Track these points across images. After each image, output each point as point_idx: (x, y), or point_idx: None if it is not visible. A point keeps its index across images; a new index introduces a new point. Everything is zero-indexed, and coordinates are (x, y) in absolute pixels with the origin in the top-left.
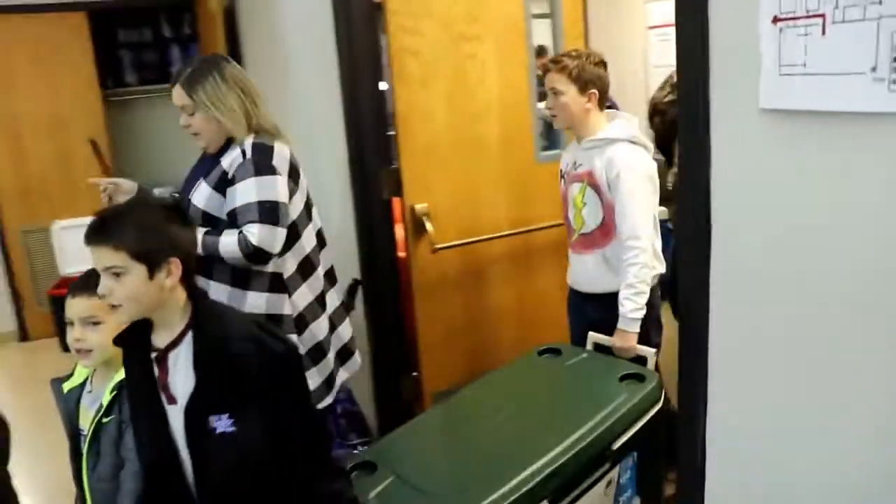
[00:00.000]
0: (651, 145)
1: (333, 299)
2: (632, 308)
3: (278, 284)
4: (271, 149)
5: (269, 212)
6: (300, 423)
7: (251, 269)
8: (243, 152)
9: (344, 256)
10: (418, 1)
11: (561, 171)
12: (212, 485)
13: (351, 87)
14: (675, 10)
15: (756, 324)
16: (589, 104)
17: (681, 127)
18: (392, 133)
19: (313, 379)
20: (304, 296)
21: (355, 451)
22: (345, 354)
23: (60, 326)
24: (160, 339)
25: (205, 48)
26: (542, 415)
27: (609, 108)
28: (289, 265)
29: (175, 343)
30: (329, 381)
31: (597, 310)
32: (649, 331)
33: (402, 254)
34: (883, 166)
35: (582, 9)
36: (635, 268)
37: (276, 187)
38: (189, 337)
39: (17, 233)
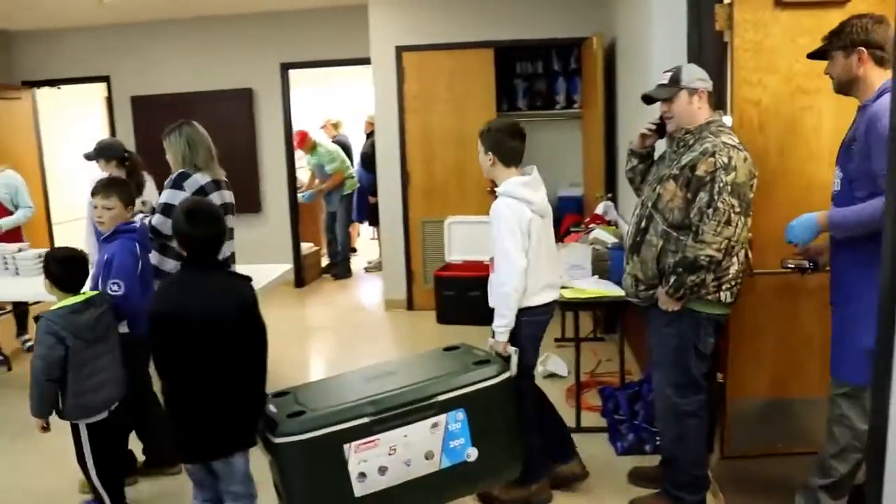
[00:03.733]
0: (533, 198)
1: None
2: (496, 324)
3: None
4: (187, 175)
5: (165, 210)
6: None
7: (165, 244)
8: (171, 175)
9: None
10: (765, 58)
11: None
12: None
13: None
14: (891, 117)
15: None
16: (490, 162)
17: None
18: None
19: None
20: None
21: (657, 440)
22: None
23: (439, 301)
24: None
25: (586, 80)
26: (407, 377)
27: None
28: None
29: None
30: None
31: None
32: (521, 339)
33: None
34: None
35: None
36: (495, 296)
37: (177, 197)
38: None
39: (419, 223)
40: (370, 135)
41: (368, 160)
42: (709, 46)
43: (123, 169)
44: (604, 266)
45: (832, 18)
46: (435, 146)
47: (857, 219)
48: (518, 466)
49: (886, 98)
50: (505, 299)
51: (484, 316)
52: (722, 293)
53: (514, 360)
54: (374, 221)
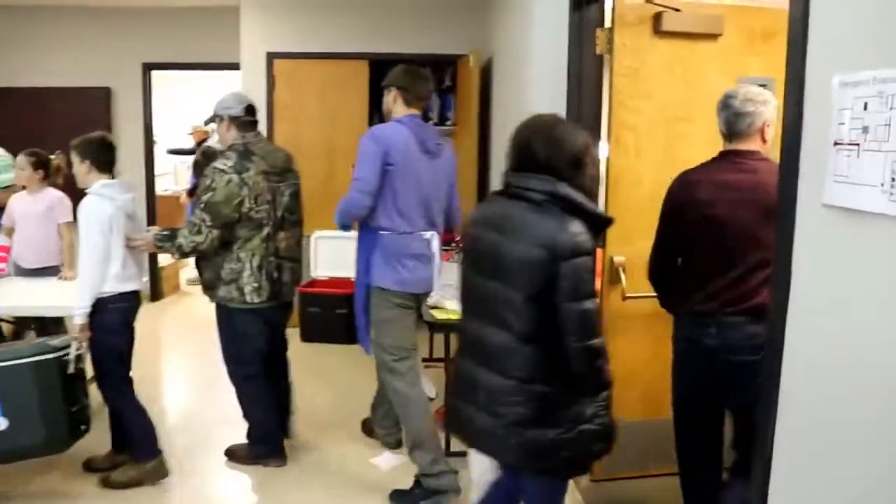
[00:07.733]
0: (115, 195)
1: None
2: (76, 306)
3: None
4: None
5: None
6: None
7: None
8: None
9: None
10: (641, 85)
11: None
12: None
13: None
14: (781, 137)
15: (817, 351)
16: (87, 170)
17: (779, 210)
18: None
19: None
20: None
21: None
22: None
23: (303, 319)
24: None
25: (461, 97)
26: None
27: None
28: None
29: None
30: None
31: None
32: (109, 325)
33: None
34: (885, 252)
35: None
36: (78, 283)
37: None
38: None
39: None
40: (200, 143)
41: (200, 167)
42: (590, 68)
43: None
44: None
45: (705, 49)
46: (304, 158)
47: (338, 209)
48: (55, 445)
49: (385, 125)
50: (84, 281)
51: (351, 335)
52: (247, 295)
53: (74, 346)
54: None
